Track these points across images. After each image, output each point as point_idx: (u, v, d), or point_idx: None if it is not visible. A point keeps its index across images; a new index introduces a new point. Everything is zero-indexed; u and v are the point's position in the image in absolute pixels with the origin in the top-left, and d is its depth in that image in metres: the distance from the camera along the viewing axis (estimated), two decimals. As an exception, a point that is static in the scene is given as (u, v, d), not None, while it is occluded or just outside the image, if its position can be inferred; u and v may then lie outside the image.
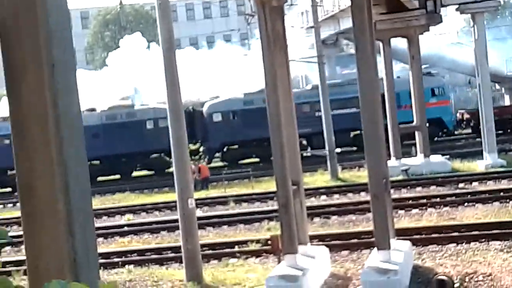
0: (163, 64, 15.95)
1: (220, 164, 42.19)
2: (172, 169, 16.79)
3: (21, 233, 3.71)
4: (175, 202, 17.13)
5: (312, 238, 17.23)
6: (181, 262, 16.58)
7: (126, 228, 23.86)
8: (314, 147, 39.27)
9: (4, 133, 36.71)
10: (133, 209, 28.20)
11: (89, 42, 70.82)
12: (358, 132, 38.13)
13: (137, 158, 41.00)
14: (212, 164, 41.52)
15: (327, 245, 16.81)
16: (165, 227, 22.93)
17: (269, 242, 16.81)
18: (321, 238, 18.61)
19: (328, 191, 27.65)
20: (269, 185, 28.63)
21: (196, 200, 16.95)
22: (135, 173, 42.10)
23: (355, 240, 18.46)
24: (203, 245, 17.63)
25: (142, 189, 36.04)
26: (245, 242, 19.36)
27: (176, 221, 17.83)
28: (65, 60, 3.80)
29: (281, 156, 14.61)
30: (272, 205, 24.19)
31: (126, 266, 18.09)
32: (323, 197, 26.74)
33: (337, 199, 26.24)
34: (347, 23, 42.52)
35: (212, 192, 31.81)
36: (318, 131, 34.60)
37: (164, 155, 40.56)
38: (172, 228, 21.88)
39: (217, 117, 41.93)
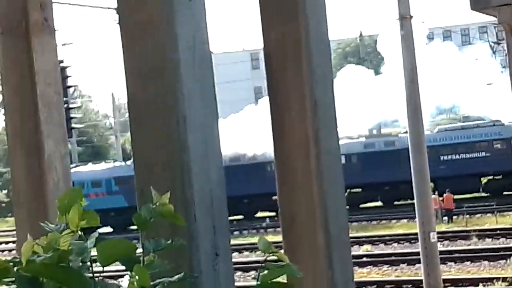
0: (405, 95, 15.84)
1: (462, 196, 40.52)
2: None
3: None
4: (414, 234, 16.80)
5: None
6: (422, 297, 16.18)
7: (365, 259, 23.84)
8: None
9: None
10: (372, 240, 28.12)
11: (329, 75, 72.02)
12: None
13: (259, 200, 40.95)
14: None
15: None
16: (405, 260, 22.55)
17: (517, 281, 15.86)
18: None
19: None
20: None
21: (437, 233, 16.50)
22: (367, 204, 41.87)
23: None
24: (445, 281, 17.07)
25: (380, 219, 35.88)
26: (490, 280, 18.45)
27: (415, 254, 17.49)
28: (326, 96, 3.90)
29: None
30: (519, 242, 22.84)
31: (366, 297, 18.06)
32: None
33: None
34: None
35: (452, 226, 30.76)
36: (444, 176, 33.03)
37: None
38: (412, 261, 21.46)
39: None
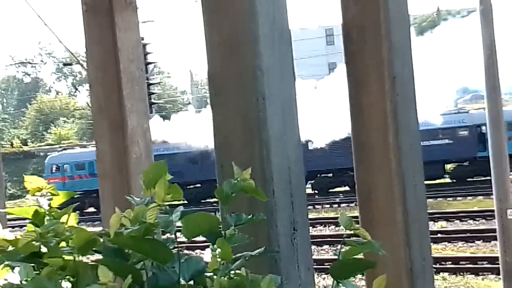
0: (483, 70, 15.46)
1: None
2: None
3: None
4: (490, 211, 16.47)
5: None
6: (498, 274, 15.91)
7: (439, 235, 23.55)
8: None
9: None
10: (447, 216, 27.73)
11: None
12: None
13: None
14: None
15: None
16: (480, 237, 22.19)
17: None
18: None
19: None
20: None
21: (515, 211, 16.14)
22: (442, 180, 41.23)
23: None
24: (523, 259, 16.69)
25: (455, 196, 35.32)
26: None
27: (491, 230, 17.17)
28: (405, 72, 3.86)
29: None
30: None
31: (441, 273, 17.86)
32: None
33: None
34: None
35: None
36: None
37: None
38: (488, 238, 21.09)
39: (310, 146, 40.30)
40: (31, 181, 2.16)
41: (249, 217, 2.14)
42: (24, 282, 1.98)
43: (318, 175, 42.14)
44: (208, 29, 3.12)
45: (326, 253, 22.43)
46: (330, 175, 42.03)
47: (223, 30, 3.06)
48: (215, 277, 1.88)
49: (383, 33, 3.78)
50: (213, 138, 3.17)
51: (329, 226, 28.12)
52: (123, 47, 4.27)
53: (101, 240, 2.01)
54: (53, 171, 45.27)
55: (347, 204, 34.97)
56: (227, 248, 1.89)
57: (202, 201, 43.18)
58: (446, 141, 38.21)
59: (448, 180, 40.46)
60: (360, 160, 3.93)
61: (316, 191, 42.25)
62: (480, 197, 32.52)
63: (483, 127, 38.84)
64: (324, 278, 16.84)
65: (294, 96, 3.20)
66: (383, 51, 3.78)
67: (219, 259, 1.93)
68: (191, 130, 41.55)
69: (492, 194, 15.87)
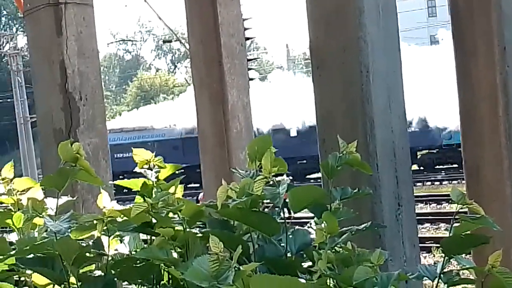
0: None
1: None
2: None
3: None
4: None
5: None
6: None
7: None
8: None
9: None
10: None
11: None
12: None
13: None
14: None
15: None
16: None
17: None
18: None
19: None
20: None
21: None
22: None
23: None
24: None
25: None
26: None
27: None
28: (516, 42, 3.70)
29: None
30: None
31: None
32: None
33: None
34: None
35: None
36: None
37: None
38: None
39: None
40: (139, 154, 2.19)
41: (355, 191, 2.10)
42: (133, 252, 2.02)
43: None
44: (310, 2, 3.08)
45: (427, 231, 22.06)
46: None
47: (326, 3, 3.01)
48: (320, 250, 1.85)
49: (493, 4, 3.63)
50: (315, 111, 3.14)
51: (430, 204, 27.63)
52: (223, 22, 4.28)
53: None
54: None
55: (449, 181, 34.27)
56: (333, 221, 1.86)
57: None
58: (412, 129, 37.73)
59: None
60: (467, 134, 3.81)
61: None
62: None
63: None
64: (425, 257, 16.59)
65: (399, 68, 3.13)
66: (493, 20, 3.63)
67: (325, 233, 1.90)
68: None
69: None
